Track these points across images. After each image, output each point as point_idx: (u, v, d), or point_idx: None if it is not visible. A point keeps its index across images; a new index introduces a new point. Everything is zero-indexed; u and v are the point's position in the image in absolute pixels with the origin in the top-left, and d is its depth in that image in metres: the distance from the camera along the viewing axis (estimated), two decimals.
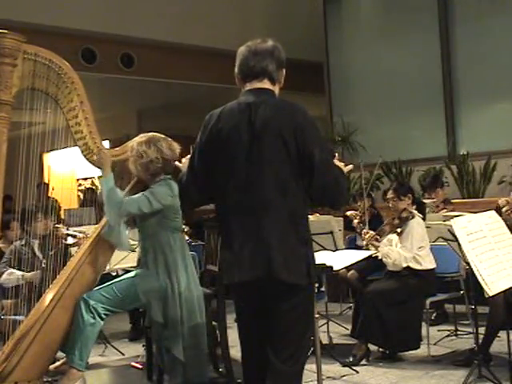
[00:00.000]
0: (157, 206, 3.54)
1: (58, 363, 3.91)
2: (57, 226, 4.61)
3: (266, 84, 2.58)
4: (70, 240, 4.49)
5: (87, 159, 3.82)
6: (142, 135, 3.76)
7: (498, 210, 4.93)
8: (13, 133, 3.50)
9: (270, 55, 2.60)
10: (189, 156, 2.71)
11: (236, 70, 2.62)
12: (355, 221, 6.22)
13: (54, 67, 3.63)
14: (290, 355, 2.57)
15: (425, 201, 6.37)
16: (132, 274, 3.74)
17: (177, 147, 3.76)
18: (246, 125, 2.49)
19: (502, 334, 4.05)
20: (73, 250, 4.45)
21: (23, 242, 4.71)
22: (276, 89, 2.63)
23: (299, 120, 2.48)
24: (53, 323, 3.48)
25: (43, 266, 4.19)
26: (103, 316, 3.60)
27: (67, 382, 3.54)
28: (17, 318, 3.82)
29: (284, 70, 2.66)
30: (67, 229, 4.64)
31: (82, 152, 3.81)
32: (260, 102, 2.51)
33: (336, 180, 2.54)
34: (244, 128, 2.49)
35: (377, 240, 4.78)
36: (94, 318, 3.55)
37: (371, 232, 4.79)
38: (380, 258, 4.73)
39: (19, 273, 4.52)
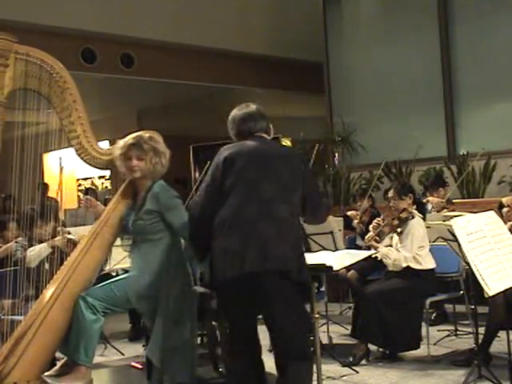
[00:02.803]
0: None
1: (57, 366, 3.87)
2: (59, 229, 4.60)
3: (263, 135, 3.13)
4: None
5: (82, 158, 3.81)
6: (147, 132, 3.63)
7: (500, 208, 4.94)
8: (9, 134, 3.49)
9: (261, 117, 3.13)
10: None
11: (233, 132, 3.15)
12: (355, 221, 6.22)
13: (45, 67, 3.62)
14: (301, 351, 2.90)
15: (430, 199, 6.38)
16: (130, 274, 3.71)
17: None
18: (259, 155, 2.97)
19: (502, 334, 4.05)
20: None
21: (25, 242, 4.71)
22: None
23: (299, 158, 3.17)
24: (51, 323, 3.47)
25: (46, 268, 4.18)
26: (102, 314, 3.59)
27: (76, 381, 3.50)
28: (15, 318, 3.82)
29: (271, 126, 3.19)
30: (68, 232, 4.63)
31: (77, 151, 3.79)
32: (266, 142, 3.10)
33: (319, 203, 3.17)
34: (257, 157, 2.96)
35: (376, 241, 4.78)
36: (95, 314, 3.53)
37: (373, 235, 4.80)
38: (380, 259, 4.73)
39: (41, 245, 4.49)
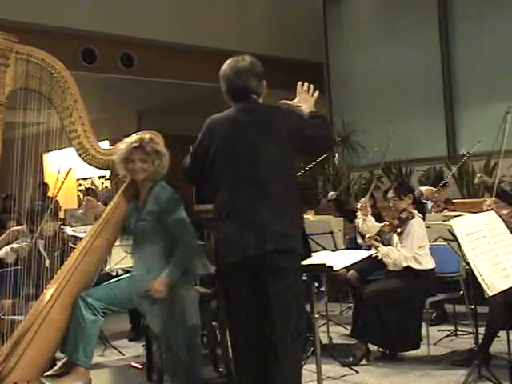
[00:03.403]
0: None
1: (57, 366, 3.87)
2: (62, 227, 4.60)
3: (251, 98, 2.95)
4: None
5: (82, 159, 3.81)
6: (147, 133, 3.64)
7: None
8: (10, 133, 3.49)
9: (250, 74, 2.93)
10: None
11: (223, 90, 2.97)
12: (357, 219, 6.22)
13: (46, 67, 3.62)
14: (292, 330, 2.81)
15: (422, 189, 6.40)
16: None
17: None
18: (244, 123, 2.88)
19: (502, 334, 4.05)
20: None
21: (29, 240, 4.71)
22: (260, 99, 3.02)
23: (285, 119, 2.96)
24: (51, 323, 3.46)
25: (47, 266, 4.18)
26: (101, 314, 3.59)
27: (74, 381, 3.50)
28: (16, 318, 3.81)
29: (264, 82, 3.00)
30: (73, 230, 4.63)
31: (77, 151, 3.80)
32: (248, 109, 2.93)
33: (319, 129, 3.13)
34: (242, 126, 2.88)
35: (376, 240, 4.79)
36: (94, 314, 3.53)
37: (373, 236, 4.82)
38: (380, 258, 4.73)
39: (8, 246, 4.59)
